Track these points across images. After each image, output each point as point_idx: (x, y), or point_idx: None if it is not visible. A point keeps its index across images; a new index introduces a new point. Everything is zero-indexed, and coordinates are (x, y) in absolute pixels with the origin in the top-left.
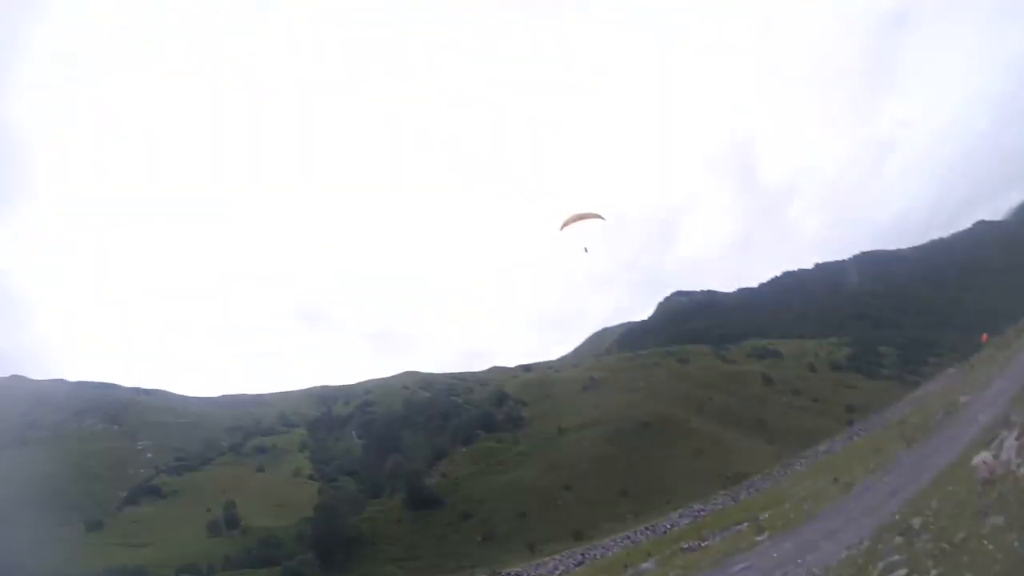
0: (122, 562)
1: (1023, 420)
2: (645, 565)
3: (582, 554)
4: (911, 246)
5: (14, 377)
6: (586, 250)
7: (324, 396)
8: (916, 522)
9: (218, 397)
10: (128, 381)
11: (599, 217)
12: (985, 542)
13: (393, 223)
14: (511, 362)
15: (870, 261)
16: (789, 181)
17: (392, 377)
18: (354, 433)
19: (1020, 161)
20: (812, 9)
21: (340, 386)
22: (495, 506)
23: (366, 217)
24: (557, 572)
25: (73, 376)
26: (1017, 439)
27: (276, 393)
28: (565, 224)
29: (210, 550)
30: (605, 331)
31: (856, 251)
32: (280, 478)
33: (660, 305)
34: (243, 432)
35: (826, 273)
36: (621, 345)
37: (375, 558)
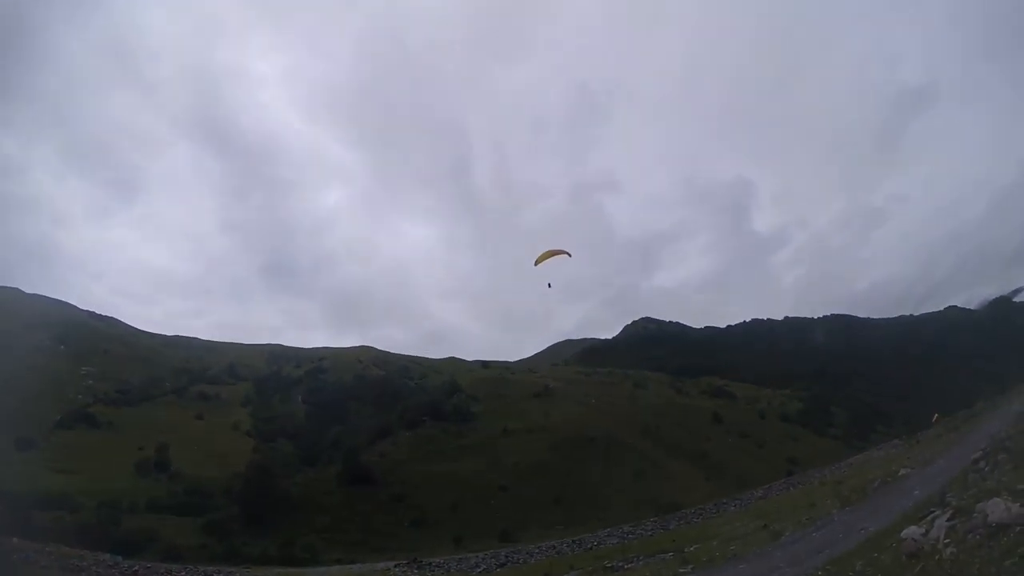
0: (47, 485)
1: (958, 503)
2: None
3: (506, 556)
4: (881, 317)
5: None
6: (550, 286)
7: (277, 355)
8: None
9: (170, 336)
10: (84, 303)
11: (567, 254)
12: None
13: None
14: (470, 355)
15: (839, 324)
16: (779, 232)
17: (348, 348)
18: (300, 397)
19: (1002, 259)
20: (835, 74)
21: (294, 348)
22: (428, 494)
23: (353, 183)
24: (479, 570)
25: (29, 287)
26: (948, 520)
27: (229, 343)
28: (539, 261)
29: (136, 488)
30: (568, 342)
31: (827, 312)
32: (218, 429)
33: (627, 327)
34: (189, 376)
35: (794, 327)
36: (581, 359)
37: (300, 525)
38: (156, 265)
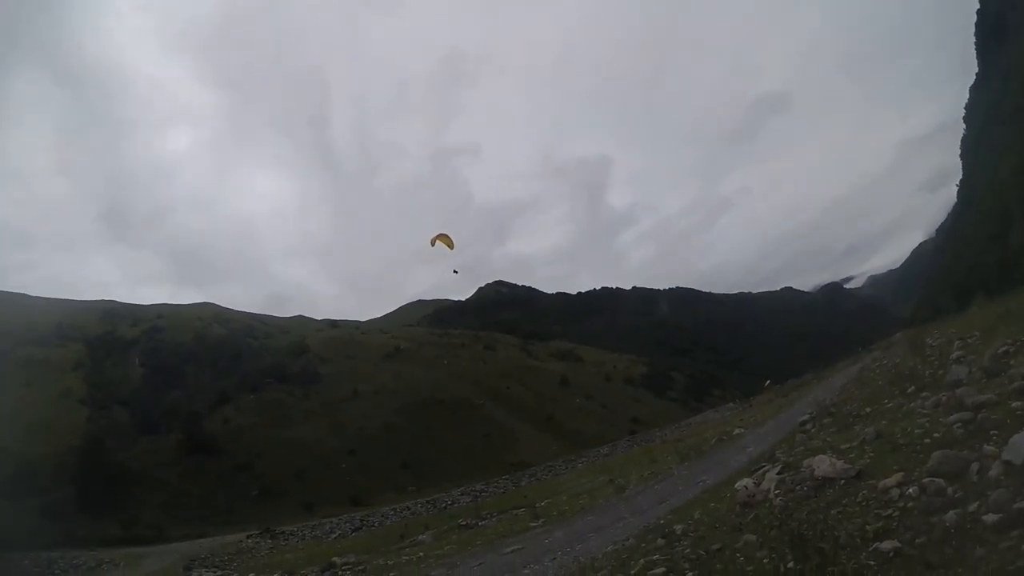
0: None
1: (786, 459)
2: (422, 537)
3: (360, 520)
4: (722, 292)
5: None
6: (456, 272)
7: (111, 312)
8: (678, 528)
9: None
10: None
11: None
12: (737, 555)
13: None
14: (319, 314)
15: (682, 296)
16: (630, 211)
17: (188, 305)
18: (137, 360)
19: (834, 254)
20: (703, 72)
21: (130, 304)
22: (274, 461)
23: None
24: (334, 535)
25: None
26: (778, 473)
27: (58, 299)
28: (451, 245)
29: None
30: (420, 303)
31: (672, 285)
32: (47, 398)
33: (480, 290)
34: (14, 338)
35: (640, 297)
36: (433, 320)
37: (142, 501)
38: None
